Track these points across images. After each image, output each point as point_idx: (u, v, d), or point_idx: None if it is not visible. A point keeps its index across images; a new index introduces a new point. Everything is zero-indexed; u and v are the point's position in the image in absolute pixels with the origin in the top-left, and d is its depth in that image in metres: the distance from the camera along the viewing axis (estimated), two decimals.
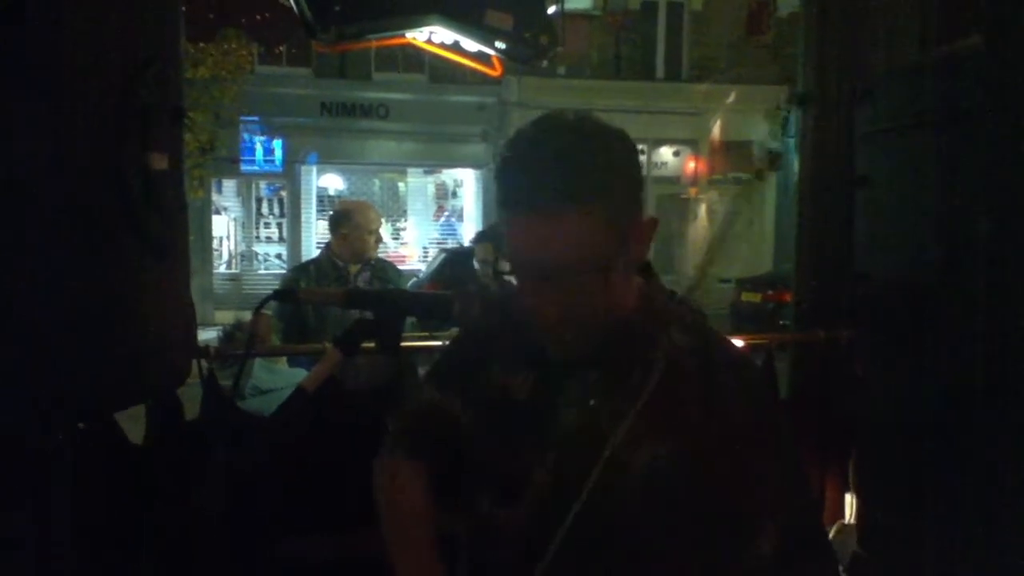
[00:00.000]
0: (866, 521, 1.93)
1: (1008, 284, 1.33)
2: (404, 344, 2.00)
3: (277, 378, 3.59)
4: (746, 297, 14.29)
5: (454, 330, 2.50)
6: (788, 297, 2.71)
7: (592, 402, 1.17)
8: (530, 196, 1.08)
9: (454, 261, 12.14)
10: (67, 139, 1.28)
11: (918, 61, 1.95)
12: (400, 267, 5.15)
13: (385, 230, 5.03)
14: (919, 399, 1.67)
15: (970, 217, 1.46)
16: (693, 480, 1.11)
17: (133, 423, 2.01)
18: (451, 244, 16.92)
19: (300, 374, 3.12)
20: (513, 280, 1.20)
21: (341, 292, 1.36)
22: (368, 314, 1.37)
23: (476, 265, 4.60)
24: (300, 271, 4.35)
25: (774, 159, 17.49)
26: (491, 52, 2.93)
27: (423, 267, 15.53)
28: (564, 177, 1.06)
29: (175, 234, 1.51)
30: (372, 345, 1.39)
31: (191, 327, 1.72)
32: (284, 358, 3.74)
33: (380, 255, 4.33)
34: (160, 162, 1.41)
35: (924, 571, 1.73)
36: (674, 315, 1.24)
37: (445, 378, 1.40)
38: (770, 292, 13.63)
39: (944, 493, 1.58)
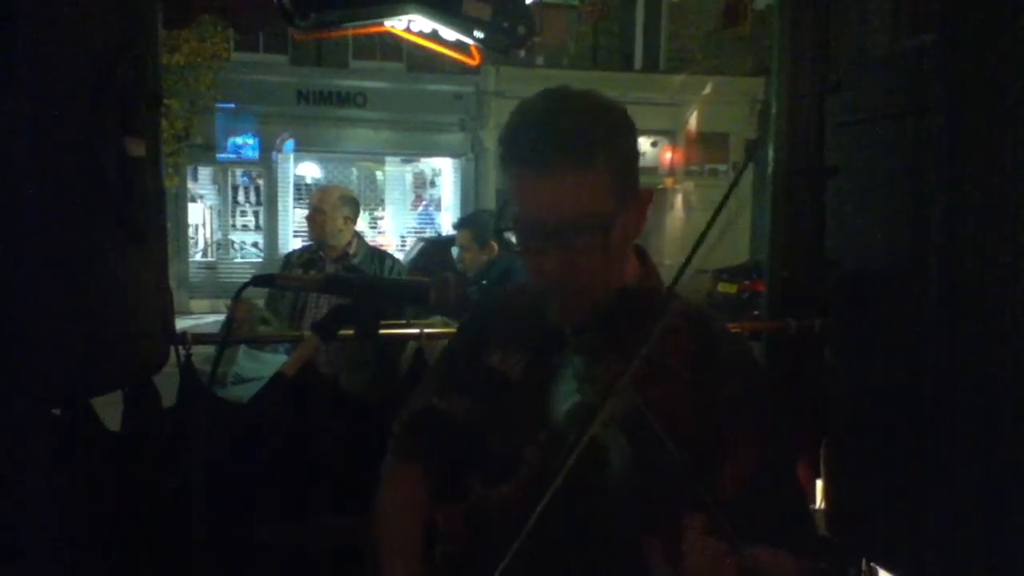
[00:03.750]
0: (834, 506, 1.97)
1: (958, 275, 1.37)
2: (383, 331, 2.02)
3: (261, 367, 3.57)
4: (722, 287, 14.38)
5: (436, 318, 2.53)
6: (763, 287, 2.75)
7: (587, 374, 1.19)
8: (539, 154, 1.13)
9: (432, 250, 12.12)
10: (44, 124, 1.28)
11: (888, 53, 1.99)
12: None
13: (363, 219, 4.99)
14: (887, 386, 1.70)
15: (922, 209, 1.50)
16: (691, 451, 1.13)
17: (110, 409, 2.01)
18: (429, 233, 16.87)
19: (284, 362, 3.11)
20: (514, 240, 1.23)
21: (319, 278, 1.37)
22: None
23: (455, 252, 4.61)
24: (288, 257, 4.35)
25: (750, 150, 17.58)
26: (469, 41, 2.93)
27: (401, 256, 15.50)
28: (572, 137, 1.12)
29: (152, 220, 1.52)
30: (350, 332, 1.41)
31: (168, 313, 1.73)
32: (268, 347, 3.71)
33: (371, 245, 4.29)
34: (138, 148, 1.41)
35: (893, 554, 1.77)
36: (671, 292, 1.28)
37: (441, 380, 1.44)
38: (746, 282, 13.72)
39: (911, 478, 1.61)
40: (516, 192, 1.18)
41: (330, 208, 3.86)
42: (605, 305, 1.21)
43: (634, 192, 1.22)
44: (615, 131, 1.18)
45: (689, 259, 1.27)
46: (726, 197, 1.48)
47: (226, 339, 1.53)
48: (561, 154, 1.12)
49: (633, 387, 1.08)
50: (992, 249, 1.32)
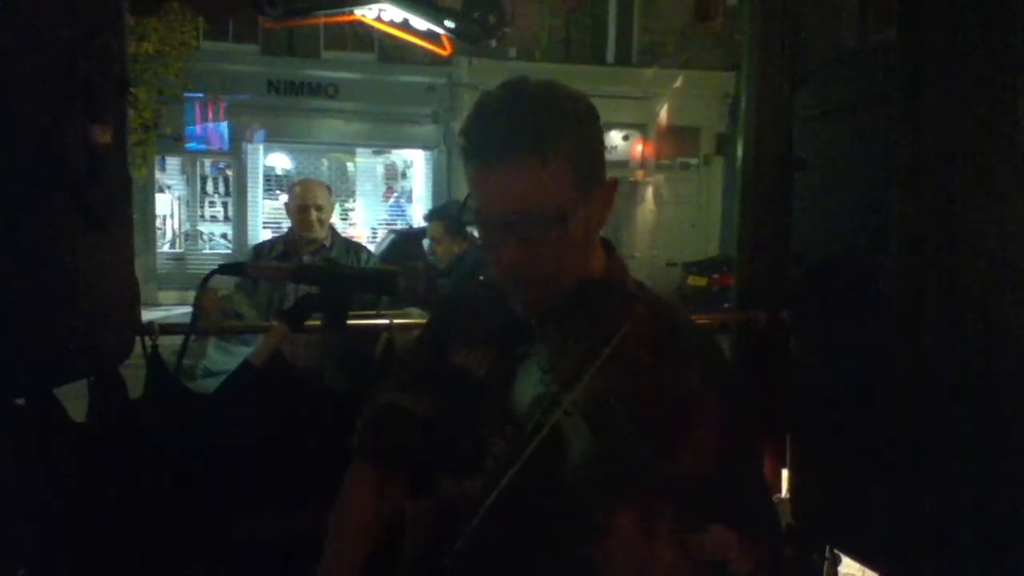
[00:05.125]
0: (799, 494, 2.00)
1: (919, 267, 1.39)
2: (353, 322, 2.02)
3: (231, 359, 3.53)
4: (692, 281, 14.50)
5: (412, 309, 2.52)
6: (733, 280, 2.78)
7: (550, 367, 1.20)
8: (495, 146, 1.14)
9: (403, 243, 12.09)
10: (7, 111, 1.26)
11: (854, 48, 2.02)
12: None
13: (334, 211, 4.94)
14: (850, 377, 1.73)
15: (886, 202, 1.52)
16: (650, 439, 1.14)
17: (75, 401, 1.99)
18: (400, 225, 16.82)
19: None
20: (476, 234, 1.23)
21: (289, 267, 1.36)
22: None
23: (426, 244, 4.59)
24: (258, 248, 4.31)
25: (721, 144, 17.71)
26: (440, 31, 2.93)
27: (372, 248, 15.43)
28: (529, 128, 1.12)
29: (118, 209, 1.50)
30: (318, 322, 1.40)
31: (135, 303, 1.71)
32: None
33: (345, 237, 4.27)
34: (103, 135, 1.40)
35: (856, 541, 1.80)
36: (634, 284, 1.29)
37: (406, 377, 1.44)
38: (716, 276, 13.85)
39: (874, 467, 1.64)
40: (475, 184, 1.18)
41: (326, 203, 3.86)
42: (567, 296, 1.22)
43: (597, 183, 1.22)
44: (574, 121, 1.18)
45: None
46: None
47: (192, 328, 1.51)
48: (517, 145, 1.12)
49: (595, 376, 1.09)
50: (951, 242, 1.34)
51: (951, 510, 1.40)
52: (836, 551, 1.99)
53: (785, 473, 2.25)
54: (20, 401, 1.81)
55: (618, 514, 1.01)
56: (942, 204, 1.31)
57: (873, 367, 1.55)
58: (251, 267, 1.34)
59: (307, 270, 1.37)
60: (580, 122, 1.19)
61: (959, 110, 1.29)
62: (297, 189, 3.94)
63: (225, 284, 3.89)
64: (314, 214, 3.81)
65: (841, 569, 2.05)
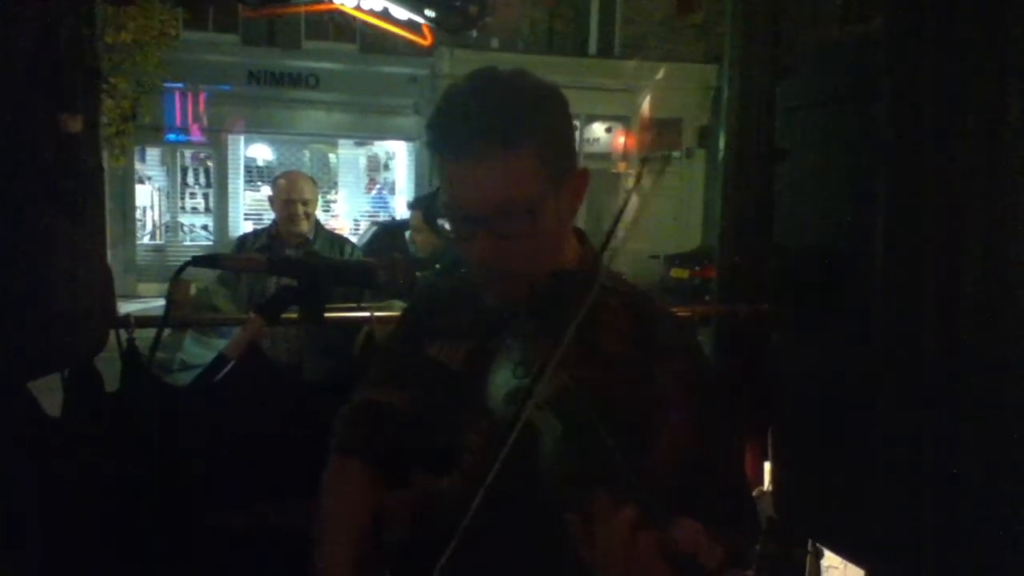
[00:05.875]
0: (781, 487, 1.99)
1: (903, 259, 1.39)
2: (332, 315, 2.00)
3: (208, 352, 3.49)
4: (675, 273, 14.52)
5: (393, 302, 2.50)
6: (715, 273, 2.78)
7: (521, 358, 1.18)
8: (459, 139, 1.12)
9: (385, 235, 12.03)
10: None
11: (836, 39, 2.01)
12: None
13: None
14: (832, 369, 1.73)
15: (868, 194, 1.52)
16: (622, 432, 1.13)
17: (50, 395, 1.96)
18: (383, 217, 16.75)
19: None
20: (448, 227, 1.21)
21: (264, 258, 1.34)
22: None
23: (407, 235, 4.57)
24: (242, 240, 4.25)
25: (703, 136, 17.73)
26: (420, 20, 2.90)
27: (355, 240, 15.36)
28: (492, 120, 1.10)
29: (90, 197, 1.47)
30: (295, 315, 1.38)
31: (108, 294, 1.68)
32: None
33: (328, 230, 4.22)
34: (74, 123, 1.37)
35: (838, 535, 1.80)
36: (608, 275, 1.26)
37: (382, 372, 1.42)
38: (698, 268, 13.88)
39: (856, 459, 1.64)
40: (442, 178, 1.16)
41: (312, 197, 3.81)
42: (539, 289, 1.20)
43: (567, 173, 1.19)
44: (542, 111, 1.15)
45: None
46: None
47: (165, 322, 1.49)
48: (483, 139, 1.10)
49: (564, 368, 1.08)
50: (936, 234, 1.34)
51: (933, 505, 1.40)
52: (819, 545, 1.99)
53: (768, 466, 2.25)
54: None
55: (591, 511, 1.00)
56: (934, 198, 1.31)
57: (857, 360, 1.55)
58: (225, 259, 1.32)
59: (283, 263, 1.34)
60: (548, 112, 1.17)
61: (955, 92, 1.29)
62: (282, 182, 3.87)
63: (204, 276, 3.84)
64: (300, 208, 3.76)
65: (823, 563, 2.06)
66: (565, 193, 1.19)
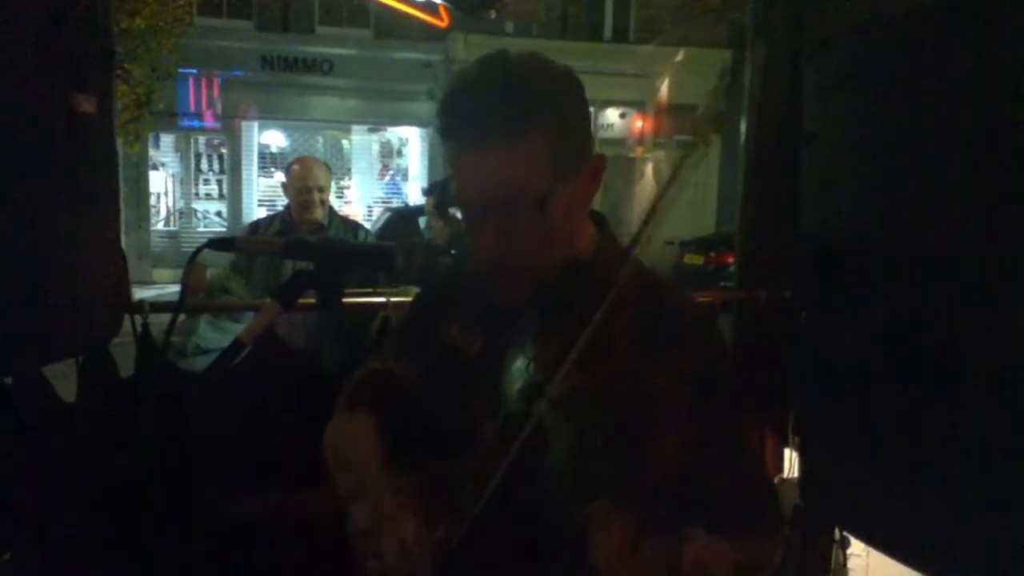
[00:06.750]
0: (807, 475, 1.96)
1: (933, 246, 1.35)
2: (348, 300, 1.97)
3: (223, 337, 3.48)
4: (689, 259, 14.43)
5: (409, 287, 2.48)
6: (731, 259, 2.73)
7: (535, 349, 1.15)
8: (467, 126, 1.08)
9: (398, 221, 12.01)
10: None
11: (865, 20, 1.96)
12: None
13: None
14: (860, 356, 1.69)
15: (908, 176, 1.48)
16: (632, 433, 1.10)
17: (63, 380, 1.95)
18: (396, 204, 16.73)
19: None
20: (460, 217, 1.17)
21: (280, 242, 1.31)
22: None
23: (423, 222, 4.55)
24: (254, 225, 4.23)
25: (719, 122, 17.60)
26: (437, 1, 2.86)
27: (368, 226, 15.36)
28: (501, 107, 1.06)
29: (103, 181, 1.45)
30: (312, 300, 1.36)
31: (122, 279, 1.66)
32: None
33: (342, 215, 4.21)
34: (87, 105, 1.35)
35: (866, 523, 1.76)
36: (626, 263, 1.22)
37: (396, 345, 1.40)
38: (713, 254, 13.79)
39: (883, 447, 1.61)
40: (451, 166, 1.13)
41: (327, 184, 3.79)
42: (551, 280, 1.16)
43: (581, 159, 1.15)
44: (553, 97, 1.10)
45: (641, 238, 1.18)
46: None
47: (180, 307, 1.46)
48: (490, 127, 1.06)
49: (575, 365, 1.05)
50: (975, 219, 1.30)
51: (969, 489, 1.37)
52: (845, 533, 1.96)
53: (788, 453, 2.22)
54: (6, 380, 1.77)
55: (594, 515, 0.98)
56: (982, 183, 1.26)
57: (884, 346, 1.51)
58: (241, 242, 1.29)
59: (300, 245, 1.31)
60: (560, 98, 1.12)
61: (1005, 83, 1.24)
62: (296, 169, 3.84)
63: (217, 261, 3.83)
64: (314, 195, 3.73)
65: (848, 551, 2.03)
66: (580, 180, 1.15)
